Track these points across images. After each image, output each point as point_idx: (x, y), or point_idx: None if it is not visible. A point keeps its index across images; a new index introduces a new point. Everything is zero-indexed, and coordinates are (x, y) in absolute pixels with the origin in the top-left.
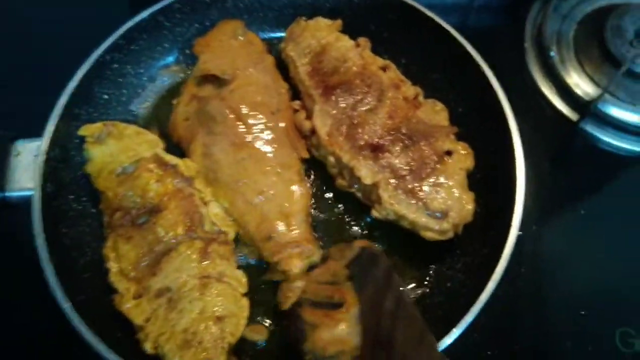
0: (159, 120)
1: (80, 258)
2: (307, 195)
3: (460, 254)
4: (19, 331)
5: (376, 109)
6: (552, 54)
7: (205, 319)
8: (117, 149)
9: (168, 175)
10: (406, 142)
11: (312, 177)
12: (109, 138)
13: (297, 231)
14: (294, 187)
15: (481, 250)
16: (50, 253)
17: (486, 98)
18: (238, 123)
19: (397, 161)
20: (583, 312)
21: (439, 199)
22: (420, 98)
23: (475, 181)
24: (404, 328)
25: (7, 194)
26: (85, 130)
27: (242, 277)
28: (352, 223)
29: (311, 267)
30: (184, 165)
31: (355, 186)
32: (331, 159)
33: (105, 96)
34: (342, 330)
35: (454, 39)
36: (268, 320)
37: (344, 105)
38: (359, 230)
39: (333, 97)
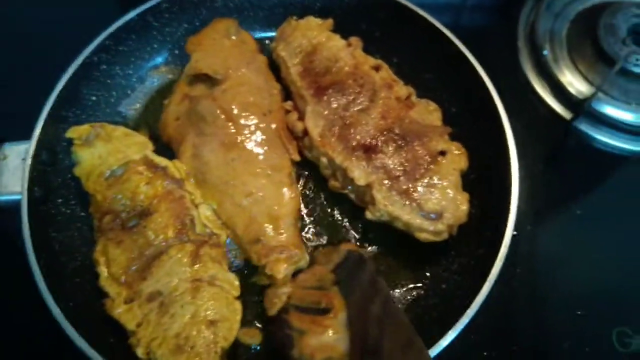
0: (148, 122)
1: (69, 262)
2: (297, 198)
3: (455, 255)
4: (11, 337)
5: (369, 109)
6: (545, 52)
7: (198, 323)
8: (106, 152)
9: (158, 177)
10: (399, 142)
11: (305, 178)
12: (97, 140)
13: (285, 235)
14: (284, 190)
15: (476, 251)
16: (39, 258)
17: (479, 97)
18: (229, 123)
19: (390, 162)
20: (580, 312)
21: (433, 200)
22: (413, 98)
23: (469, 181)
24: (392, 334)
25: None
26: (73, 132)
27: (234, 280)
28: (346, 225)
29: (297, 271)
30: (174, 167)
31: (349, 187)
32: (324, 160)
33: (94, 98)
34: (329, 336)
35: (447, 38)
36: (259, 325)
37: (336, 105)
38: (353, 233)
39: (325, 98)
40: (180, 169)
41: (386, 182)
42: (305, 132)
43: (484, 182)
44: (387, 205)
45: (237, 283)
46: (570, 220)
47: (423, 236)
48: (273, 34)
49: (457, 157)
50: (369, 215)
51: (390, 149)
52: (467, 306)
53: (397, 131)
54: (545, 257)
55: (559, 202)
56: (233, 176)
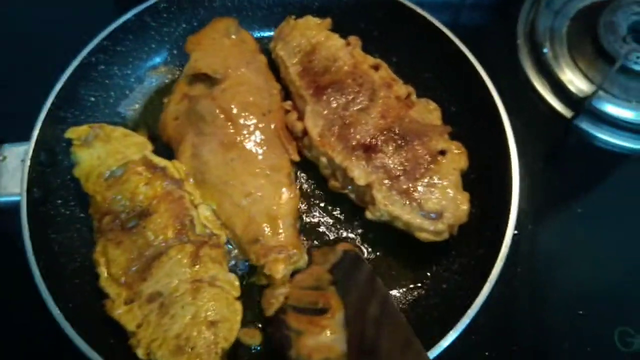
0: (147, 122)
1: (69, 263)
2: (296, 198)
3: (456, 255)
4: (11, 337)
5: (368, 108)
6: (545, 50)
7: (198, 324)
8: (105, 152)
9: (157, 177)
10: (399, 142)
11: (305, 178)
12: (96, 141)
13: (284, 235)
14: (283, 190)
15: (477, 251)
16: (38, 259)
17: (479, 96)
18: (228, 123)
19: (390, 161)
20: (581, 312)
21: (433, 200)
22: (413, 97)
23: (469, 181)
24: (390, 334)
25: None
26: (72, 133)
27: (234, 281)
28: (346, 225)
29: (295, 271)
30: (173, 167)
31: (349, 187)
32: (323, 160)
33: (92, 98)
34: (327, 337)
35: (446, 37)
36: (260, 326)
37: (336, 105)
38: (353, 233)
39: (324, 98)
40: (180, 169)
41: (386, 181)
42: (305, 132)
43: (484, 182)
44: (387, 205)
45: (237, 283)
46: (571, 219)
47: (423, 236)
48: (272, 33)
49: (457, 157)
50: (369, 215)
51: (390, 148)
52: (468, 306)
53: (396, 130)
54: (546, 257)
55: (559, 201)
56: (232, 176)
